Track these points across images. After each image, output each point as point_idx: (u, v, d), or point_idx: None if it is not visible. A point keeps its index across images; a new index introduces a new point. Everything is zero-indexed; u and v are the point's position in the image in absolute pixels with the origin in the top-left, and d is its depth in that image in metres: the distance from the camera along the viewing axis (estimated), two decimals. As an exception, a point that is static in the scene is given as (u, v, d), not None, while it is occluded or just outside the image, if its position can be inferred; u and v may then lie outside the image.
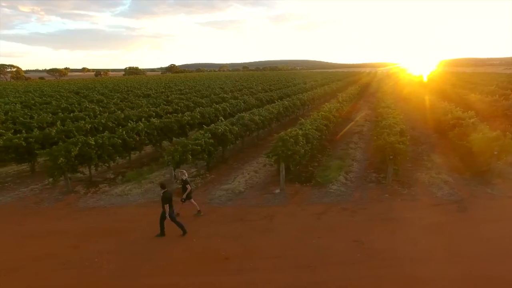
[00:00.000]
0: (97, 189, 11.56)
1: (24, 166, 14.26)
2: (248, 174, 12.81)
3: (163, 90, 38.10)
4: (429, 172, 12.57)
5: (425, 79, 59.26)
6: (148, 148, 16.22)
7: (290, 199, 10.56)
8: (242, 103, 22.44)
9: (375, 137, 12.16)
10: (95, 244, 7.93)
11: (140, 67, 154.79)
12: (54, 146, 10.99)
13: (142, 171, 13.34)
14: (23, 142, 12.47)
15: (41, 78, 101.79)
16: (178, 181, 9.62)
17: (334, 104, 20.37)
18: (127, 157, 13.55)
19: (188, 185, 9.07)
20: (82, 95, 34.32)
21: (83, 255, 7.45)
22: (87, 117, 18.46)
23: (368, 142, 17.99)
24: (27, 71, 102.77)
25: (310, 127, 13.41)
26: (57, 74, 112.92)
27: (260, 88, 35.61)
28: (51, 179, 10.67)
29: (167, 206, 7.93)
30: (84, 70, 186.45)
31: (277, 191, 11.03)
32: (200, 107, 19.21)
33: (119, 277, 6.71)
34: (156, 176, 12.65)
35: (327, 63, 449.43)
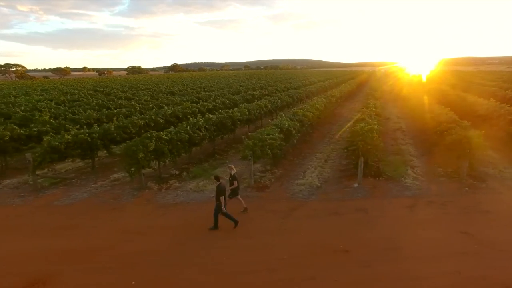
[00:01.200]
0: (168, 185, 11.41)
1: (79, 162, 14.08)
2: (315, 169, 12.73)
3: (183, 88, 37.87)
4: (495, 167, 12.59)
5: (424, 79, 58.95)
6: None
7: (372, 192, 10.50)
8: (278, 100, 22.35)
9: (444, 132, 12.09)
10: (199, 241, 7.78)
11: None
12: (128, 141, 10.83)
13: (204, 167, 13.22)
14: (88, 138, 12.30)
15: (45, 77, 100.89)
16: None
17: (373, 102, 20.35)
18: (188, 153, 13.40)
19: (236, 181, 8.91)
20: (103, 92, 34.01)
21: (192, 252, 7.31)
22: (129, 113, 18.28)
23: (414, 138, 18.02)
24: (26, 71, 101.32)
25: (372, 121, 13.35)
26: (61, 73, 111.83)
27: (282, 86, 35.53)
28: (128, 174, 10.50)
29: (222, 199, 7.90)
30: (85, 69, 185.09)
31: (356, 185, 10.96)
32: (245, 104, 19.08)
33: (244, 272, 6.57)
34: (222, 172, 12.53)
35: (326, 62, 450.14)
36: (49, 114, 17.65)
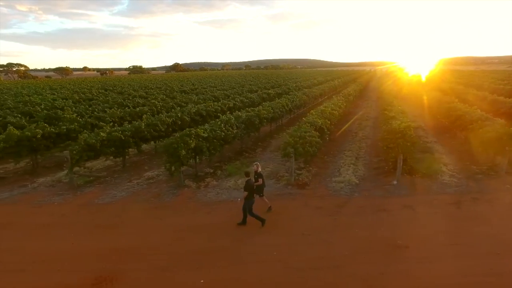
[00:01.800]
0: (205, 183, 11.35)
1: (106, 161, 13.99)
2: (349, 167, 12.70)
3: (194, 87, 37.78)
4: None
5: (423, 79, 58.81)
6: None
7: (413, 190, 10.49)
8: (297, 99, 22.32)
9: (480, 130, 12.08)
10: (257, 237, 7.74)
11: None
12: (167, 139, 10.77)
13: (236, 165, 13.16)
14: (122, 136, 12.23)
15: (48, 77, 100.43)
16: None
17: (397, 101, 20.36)
18: (221, 151, 13.33)
19: (261, 178, 8.85)
20: (115, 92, 33.86)
21: (254, 249, 7.27)
22: (151, 111, 18.21)
23: (437, 136, 18.02)
24: (28, 71, 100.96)
25: (404, 119, 13.33)
26: (63, 73, 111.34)
27: (294, 85, 35.50)
28: (169, 172, 10.43)
29: (246, 193, 7.96)
30: (85, 69, 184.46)
31: (395, 182, 10.94)
32: (267, 102, 19.02)
33: (312, 268, 6.53)
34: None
35: (326, 61, 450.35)
36: (71, 112, 17.55)
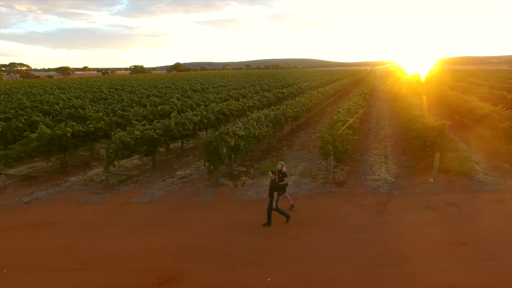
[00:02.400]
0: (241, 181, 11.30)
1: (133, 160, 13.92)
2: (380, 165, 12.69)
3: (204, 86, 37.75)
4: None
5: (422, 79, 58.64)
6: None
7: (451, 187, 10.49)
8: (315, 98, 22.32)
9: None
10: (311, 235, 7.70)
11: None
12: (208, 136, 10.71)
13: (267, 164, 13.12)
14: (154, 134, 12.18)
15: (49, 76, 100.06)
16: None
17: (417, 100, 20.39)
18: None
19: (286, 178, 8.82)
20: (126, 91, 33.74)
21: (313, 247, 7.24)
22: (172, 110, 18.15)
23: (458, 134, 18.03)
24: (29, 70, 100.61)
25: (434, 118, 13.34)
26: (65, 73, 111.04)
27: (305, 84, 35.51)
28: (208, 170, 10.39)
29: (276, 194, 7.87)
30: (85, 69, 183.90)
31: (431, 180, 10.95)
32: (287, 101, 19.01)
33: (375, 265, 6.50)
34: (293, 167, 12.51)
35: (326, 61, 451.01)
36: (92, 111, 17.48)
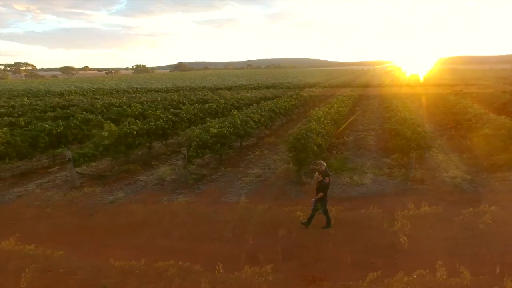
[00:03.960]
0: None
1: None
2: (447, 162, 12.66)
3: (224, 84, 37.65)
4: None
5: (421, 79, 58.29)
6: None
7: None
8: (353, 96, 22.31)
9: None
10: (427, 232, 7.59)
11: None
12: (292, 136, 10.61)
13: (339, 160, 13.01)
14: (227, 132, 12.04)
15: (54, 76, 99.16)
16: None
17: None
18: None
19: (328, 177, 8.19)
20: (149, 90, 33.55)
21: (434, 244, 7.13)
22: (218, 108, 18.06)
23: (477, 131, 18.03)
24: (34, 70, 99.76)
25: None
26: (70, 72, 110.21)
27: (328, 84, 35.52)
28: (297, 168, 10.27)
29: (320, 194, 7.59)
30: (86, 68, 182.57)
31: (515, 178, 10.94)
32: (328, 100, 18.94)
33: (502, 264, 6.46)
34: (362, 165, 12.46)
35: (324, 61, 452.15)
36: (140, 108, 17.31)
